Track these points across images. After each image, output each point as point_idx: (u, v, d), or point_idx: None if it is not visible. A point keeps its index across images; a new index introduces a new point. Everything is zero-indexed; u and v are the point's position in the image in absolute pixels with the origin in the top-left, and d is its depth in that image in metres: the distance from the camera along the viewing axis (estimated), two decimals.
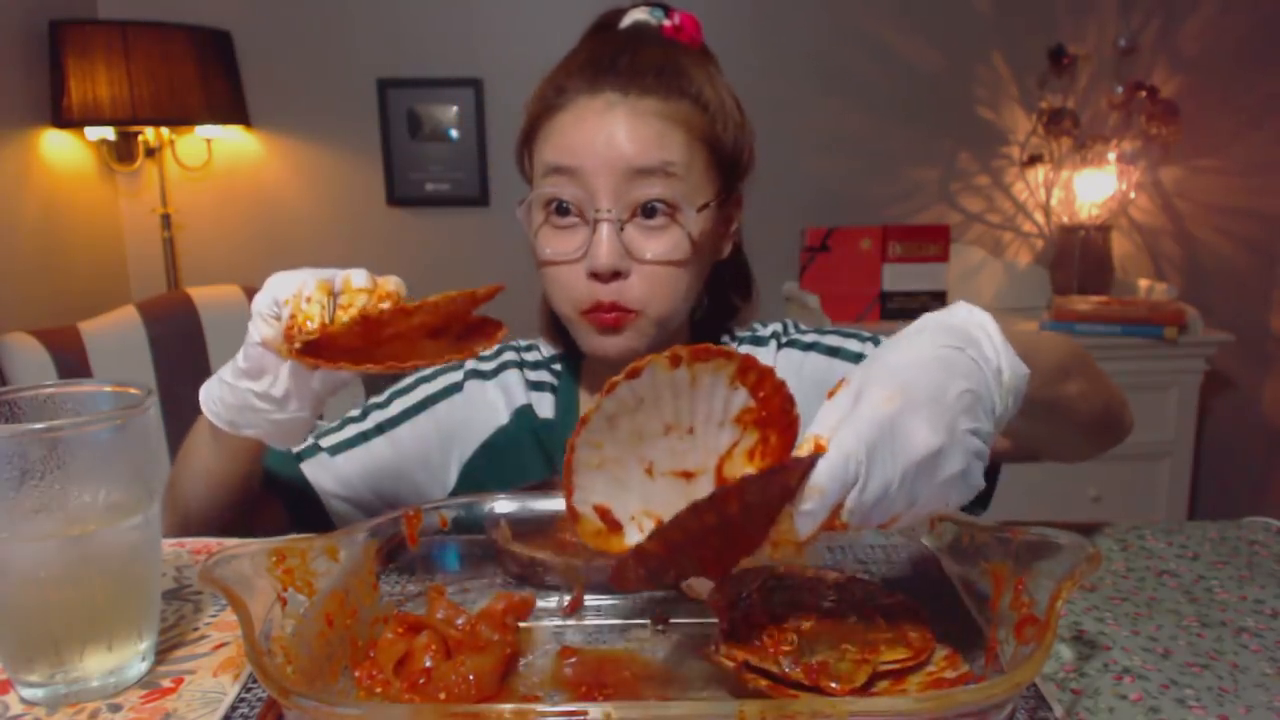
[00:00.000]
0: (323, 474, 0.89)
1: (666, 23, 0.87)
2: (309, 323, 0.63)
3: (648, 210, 0.80)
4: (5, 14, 1.99)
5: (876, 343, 0.89)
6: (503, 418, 0.92)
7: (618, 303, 0.80)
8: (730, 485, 0.46)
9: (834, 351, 0.90)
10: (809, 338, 0.93)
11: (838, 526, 0.48)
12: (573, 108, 0.80)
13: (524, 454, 0.91)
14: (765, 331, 0.95)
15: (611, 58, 0.81)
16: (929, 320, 0.54)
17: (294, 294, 0.64)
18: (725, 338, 0.95)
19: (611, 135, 0.79)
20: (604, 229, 0.79)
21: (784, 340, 0.93)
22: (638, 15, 0.88)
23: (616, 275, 0.80)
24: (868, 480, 0.47)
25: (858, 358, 0.89)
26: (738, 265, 0.95)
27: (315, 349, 0.63)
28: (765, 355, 0.93)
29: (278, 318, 0.65)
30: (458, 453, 0.93)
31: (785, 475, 0.47)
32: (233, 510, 0.81)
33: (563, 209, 0.81)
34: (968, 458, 0.49)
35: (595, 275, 0.80)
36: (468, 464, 0.92)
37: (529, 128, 0.85)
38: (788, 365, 0.91)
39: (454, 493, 0.92)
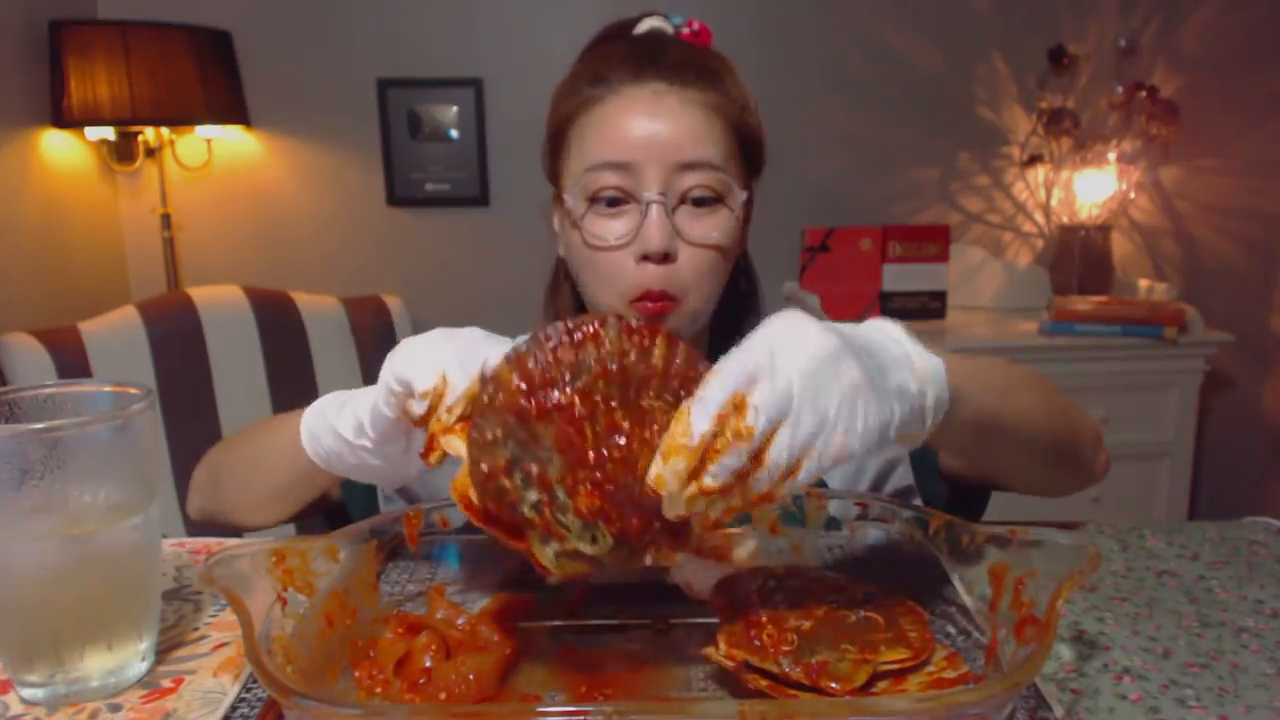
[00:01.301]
0: None
1: (685, 29, 0.89)
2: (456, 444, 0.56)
3: (697, 199, 0.81)
4: (5, 14, 1.99)
5: None
6: None
7: (665, 290, 0.81)
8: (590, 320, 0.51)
9: None
10: None
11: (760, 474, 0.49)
12: (617, 98, 0.81)
13: None
14: None
15: (651, 52, 0.83)
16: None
17: (433, 387, 0.57)
18: (738, 337, 0.95)
19: (661, 125, 0.79)
20: (655, 211, 0.79)
21: None
22: (653, 23, 0.89)
23: (666, 258, 0.80)
24: (773, 374, 0.49)
25: None
26: (745, 267, 0.97)
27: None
28: None
29: (410, 395, 0.59)
30: None
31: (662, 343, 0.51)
32: (288, 518, 0.82)
33: (611, 200, 0.81)
34: (867, 370, 0.51)
35: (646, 258, 0.80)
36: None
37: (562, 124, 0.85)
38: None
39: None
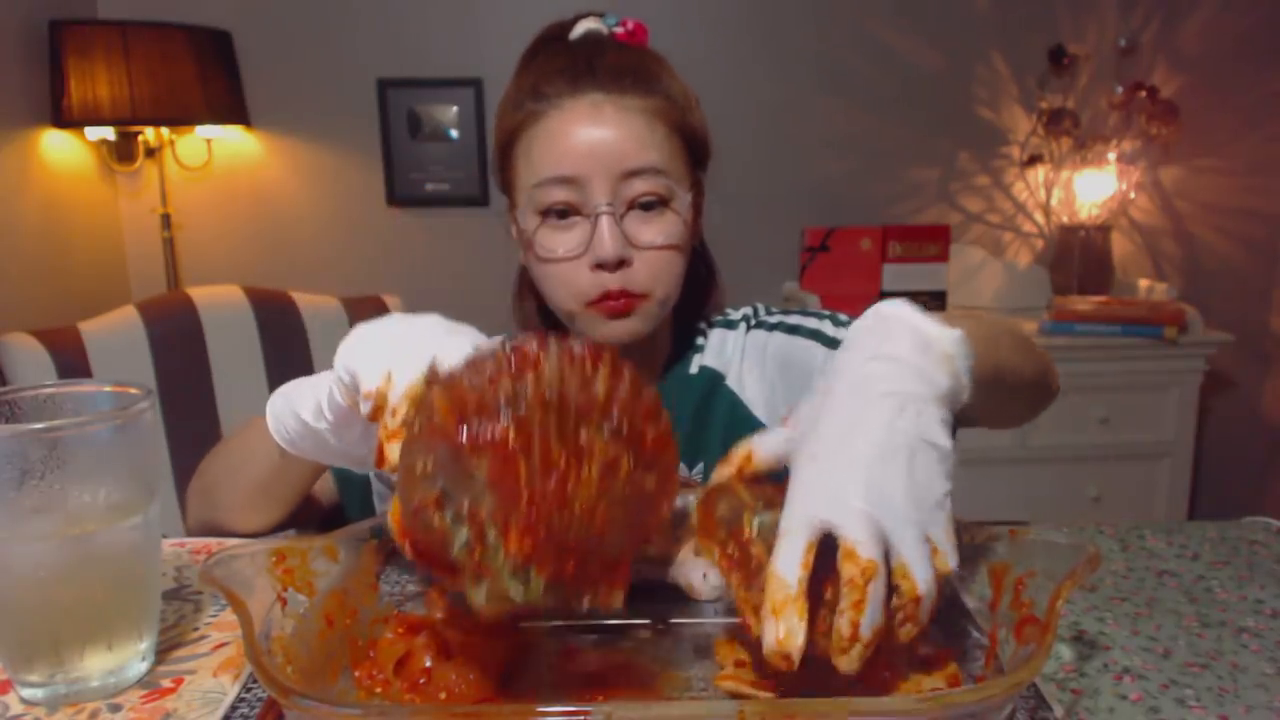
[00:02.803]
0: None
1: (619, 30, 0.90)
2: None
3: (645, 204, 0.83)
4: (5, 14, 1.99)
5: (835, 321, 0.94)
6: None
7: (626, 289, 0.83)
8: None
9: (794, 330, 0.94)
10: (774, 319, 0.97)
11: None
12: (557, 112, 0.82)
13: None
14: (736, 315, 0.99)
15: (587, 61, 0.83)
16: (914, 342, 0.53)
17: (376, 389, 0.56)
18: (701, 324, 0.98)
19: (603, 135, 0.81)
20: (604, 221, 0.81)
21: (752, 323, 0.98)
22: (589, 25, 0.89)
23: (620, 264, 0.82)
24: (845, 508, 0.47)
25: (813, 334, 0.93)
26: (701, 254, 0.98)
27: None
28: (736, 337, 0.96)
29: (358, 390, 0.58)
30: None
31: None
32: (280, 520, 0.82)
33: (561, 213, 0.83)
34: (912, 431, 0.49)
35: (601, 266, 0.82)
36: None
37: (509, 138, 0.86)
38: (754, 344, 0.95)
39: None
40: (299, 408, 0.67)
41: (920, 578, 0.47)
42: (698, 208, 0.90)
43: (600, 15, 0.90)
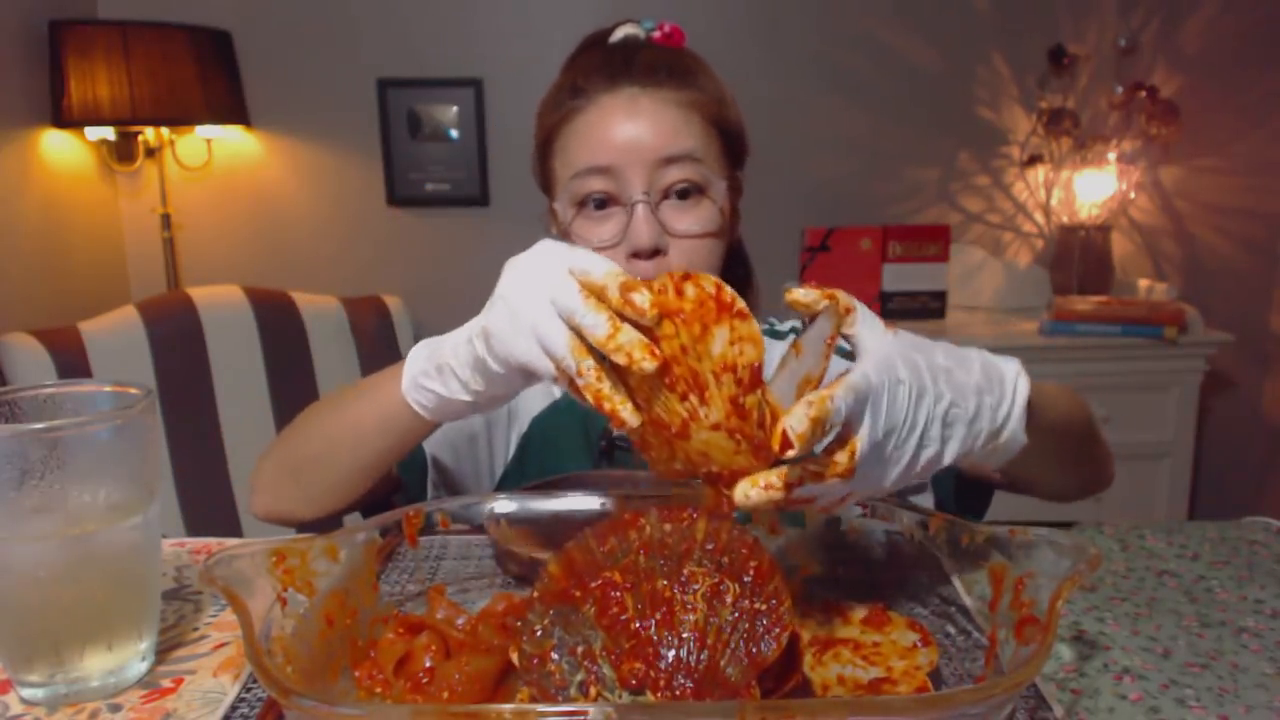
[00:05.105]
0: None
1: (656, 33, 0.93)
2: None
3: (680, 192, 0.84)
4: (5, 14, 1.99)
5: None
6: (556, 392, 0.96)
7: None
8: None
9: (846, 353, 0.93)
10: None
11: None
12: (595, 107, 0.84)
13: (570, 436, 0.94)
14: (783, 327, 1.00)
15: (624, 59, 0.86)
16: (984, 354, 0.59)
17: (554, 374, 0.58)
18: None
19: (639, 127, 0.83)
20: (640, 210, 0.82)
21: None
22: (627, 29, 0.93)
23: (656, 253, 0.83)
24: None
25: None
26: (738, 255, 0.98)
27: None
28: (781, 348, 0.95)
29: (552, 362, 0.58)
30: (517, 426, 0.96)
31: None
32: (358, 499, 0.81)
33: (599, 203, 0.84)
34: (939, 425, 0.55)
35: (636, 255, 0.83)
36: (523, 439, 0.95)
37: (548, 135, 0.88)
38: None
39: (508, 468, 0.95)
40: (445, 388, 0.67)
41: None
42: (734, 205, 0.91)
43: (637, 21, 0.93)
